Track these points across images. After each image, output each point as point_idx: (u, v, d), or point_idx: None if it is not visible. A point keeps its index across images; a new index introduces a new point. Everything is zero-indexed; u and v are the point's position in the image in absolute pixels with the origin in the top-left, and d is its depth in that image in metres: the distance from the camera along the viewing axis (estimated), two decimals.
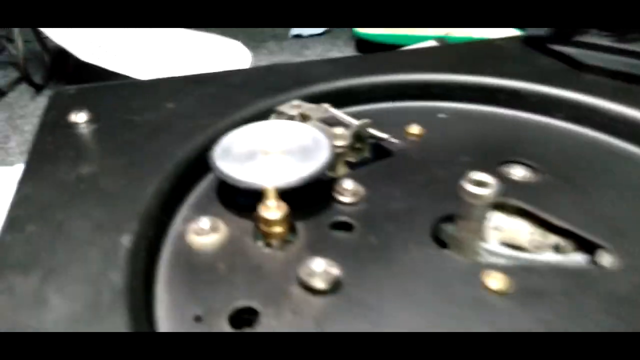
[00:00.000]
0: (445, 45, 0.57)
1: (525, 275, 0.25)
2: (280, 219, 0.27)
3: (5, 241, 0.24)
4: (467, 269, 0.26)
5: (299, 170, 0.29)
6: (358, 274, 0.26)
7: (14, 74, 0.84)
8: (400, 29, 0.79)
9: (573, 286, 0.25)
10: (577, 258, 0.28)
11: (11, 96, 0.78)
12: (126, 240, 0.24)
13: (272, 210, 0.27)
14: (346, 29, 0.95)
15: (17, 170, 0.55)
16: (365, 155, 0.37)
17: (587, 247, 0.28)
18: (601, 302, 0.24)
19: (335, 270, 0.25)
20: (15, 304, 0.21)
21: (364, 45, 0.87)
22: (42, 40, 0.82)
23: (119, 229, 0.25)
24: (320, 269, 0.25)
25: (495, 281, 0.24)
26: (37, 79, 0.81)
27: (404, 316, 0.23)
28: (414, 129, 0.38)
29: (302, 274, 0.25)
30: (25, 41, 0.79)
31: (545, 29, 0.45)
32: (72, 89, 0.39)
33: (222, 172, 0.29)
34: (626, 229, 0.28)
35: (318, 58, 0.68)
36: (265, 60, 0.85)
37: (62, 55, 0.78)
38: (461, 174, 0.34)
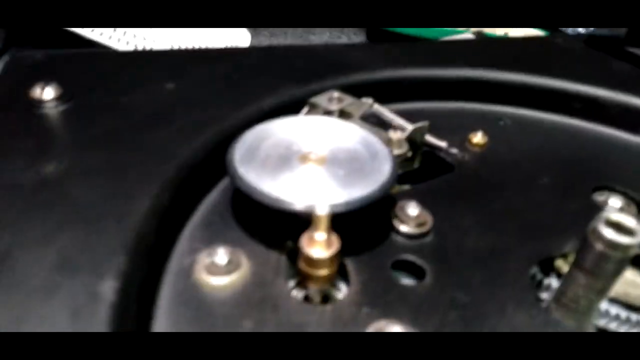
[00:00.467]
0: (498, 40, 0.49)
1: None
2: (329, 258, 0.19)
3: None
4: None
5: (353, 187, 0.21)
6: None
7: None
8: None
9: None
10: None
11: None
12: (108, 289, 0.16)
13: (320, 245, 0.19)
14: None
15: None
16: (414, 167, 0.29)
17: None
18: None
19: None
20: None
21: (376, 34, 0.79)
22: None
23: (96, 268, 0.17)
24: None
25: None
26: None
27: None
28: (477, 138, 0.30)
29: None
30: None
31: (620, 29, 0.38)
32: (37, 54, 0.30)
33: (247, 184, 0.21)
34: None
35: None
36: (266, 44, 0.76)
37: None
38: (547, 201, 0.27)
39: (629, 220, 0.18)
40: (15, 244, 0.17)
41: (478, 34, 0.54)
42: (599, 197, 0.27)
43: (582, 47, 0.40)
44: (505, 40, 0.47)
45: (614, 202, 0.27)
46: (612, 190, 0.27)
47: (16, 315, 0.15)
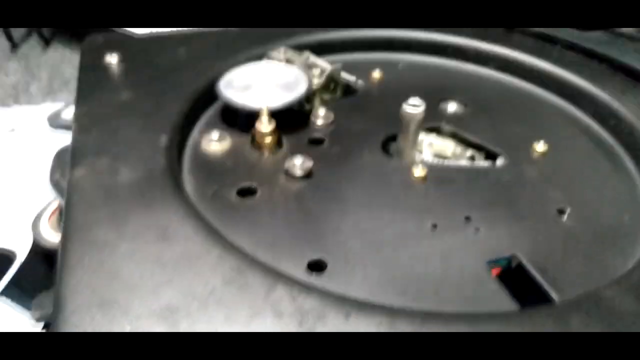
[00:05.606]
0: None
1: (442, 170, 0.36)
2: (271, 131, 0.38)
3: (80, 138, 0.34)
4: (402, 166, 0.37)
5: (285, 97, 0.39)
6: (326, 170, 0.36)
7: (22, 29, 0.91)
8: None
9: (473, 176, 0.36)
10: (482, 163, 0.39)
11: (24, 48, 0.85)
12: (163, 140, 0.35)
13: (265, 125, 0.37)
14: None
15: (43, 108, 0.64)
16: (337, 95, 0.47)
17: (492, 157, 0.39)
18: (490, 184, 0.35)
19: (309, 163, 0.35)
20: (94, 173, 0.31)
21: None
22: None
23: (157, 133, 0.35)
24: (299, 162, 0.35)
25: (419, 171, 0.35)
26: (46, 32, 0.89)
27: (357, 195, 0.34)
28: (376, 74, 0.48)
29: (286, 165, 0.35)
30: None
31: None
32: (101, 37, 0.49)
33: (226, 98, 0.39)
34: (518, 142, 0.39)
35: None
36: None
37: None
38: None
39: (418, 101, 0.36)
40: (118, 126, 0.36)
41: None
42: (443, 104, 0.45)
43: None
44: None
45: (452, 106, 0.44)
46: (453, 100, 0.45)
47: (122, 149, 0.34)
